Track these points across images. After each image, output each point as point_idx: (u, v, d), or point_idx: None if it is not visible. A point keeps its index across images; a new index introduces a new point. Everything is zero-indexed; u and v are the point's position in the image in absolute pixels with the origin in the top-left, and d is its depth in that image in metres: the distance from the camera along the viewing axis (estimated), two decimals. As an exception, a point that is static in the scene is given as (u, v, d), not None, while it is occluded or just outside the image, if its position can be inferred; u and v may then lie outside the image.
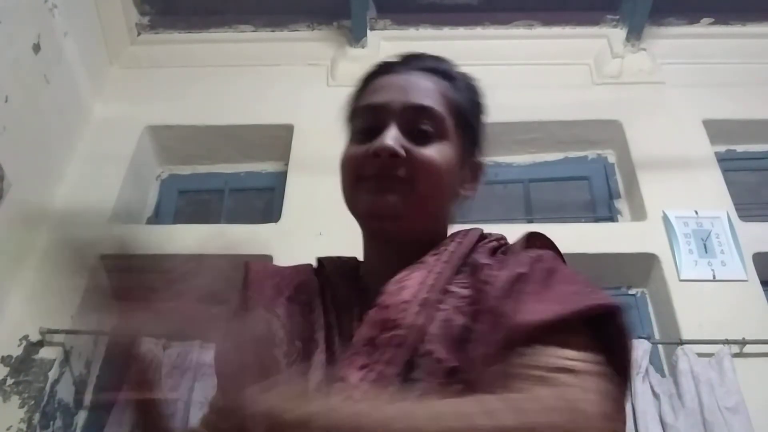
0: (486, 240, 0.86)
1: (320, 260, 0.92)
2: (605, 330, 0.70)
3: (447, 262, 0.80)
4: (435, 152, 0.82)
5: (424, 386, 0.70)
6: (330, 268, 0.90)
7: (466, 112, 0.87)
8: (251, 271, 0.90)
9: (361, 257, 0.91)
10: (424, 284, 0.77)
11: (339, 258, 0.92)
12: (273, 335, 0.81)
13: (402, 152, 0.81)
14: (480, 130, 0.91)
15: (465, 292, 0.76)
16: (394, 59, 0.91)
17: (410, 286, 0.77)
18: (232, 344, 0.69)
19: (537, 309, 0.68)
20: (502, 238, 0.87)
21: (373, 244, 0.88)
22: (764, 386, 2.07)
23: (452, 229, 0.88)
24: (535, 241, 0.82)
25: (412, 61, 0.89)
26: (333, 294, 0.86)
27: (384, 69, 0.89)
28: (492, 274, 0.74)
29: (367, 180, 0.82)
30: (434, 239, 0.84)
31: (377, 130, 0.83)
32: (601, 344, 0.69)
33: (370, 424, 0.60)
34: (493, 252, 0.82)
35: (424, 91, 0.85)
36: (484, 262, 0.78)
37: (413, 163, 0.81)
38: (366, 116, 0.86)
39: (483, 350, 0.69)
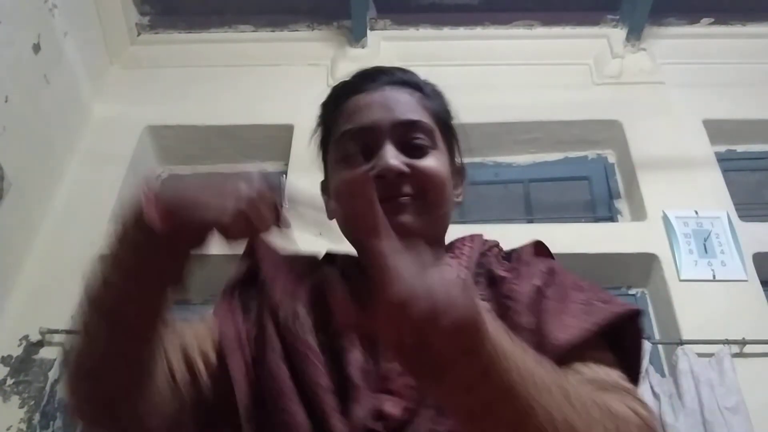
0: (488, 246, 0.86)
1: (330, 255, 0.89)
2: (620, 332, 0.73)
3: (467, 267, 0.80)
4: (435, 162, 0.82)
5: None
6: (343, 264, 0.86)
7: (446, 120, 0.88)
8: (260, 248, 0.85)
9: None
10: None
11: (348, 255, 0.86)
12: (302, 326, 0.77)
13: (406, 169, 0.79)
14: (456, 135, 0.90)
15: (485, 305, 0.77)
16: (360, 77, 0.87)
17: None
18: None
19: (569, 325, 0.70)
20: (497, 244, 0.87)
21: None
22: (764, 386, 2.07)
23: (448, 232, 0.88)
24: (540, 249, 0.84)
25: (381, 76, 0.86)
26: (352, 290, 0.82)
27: (354, 88, 0.86)
28: (514, 289, 0.76)
29: None
30: (437, 248, 0.83)
31: (368, 152, 0.81)
32: (619, 349, 0.73)
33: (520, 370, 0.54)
34: (500, 260, 0.83)
35: (408, 105, 0.83)
36: (502, 274, 0.79)
37: (419, 177, 0.80)
38: (355, 139, 0.82)
39: None
